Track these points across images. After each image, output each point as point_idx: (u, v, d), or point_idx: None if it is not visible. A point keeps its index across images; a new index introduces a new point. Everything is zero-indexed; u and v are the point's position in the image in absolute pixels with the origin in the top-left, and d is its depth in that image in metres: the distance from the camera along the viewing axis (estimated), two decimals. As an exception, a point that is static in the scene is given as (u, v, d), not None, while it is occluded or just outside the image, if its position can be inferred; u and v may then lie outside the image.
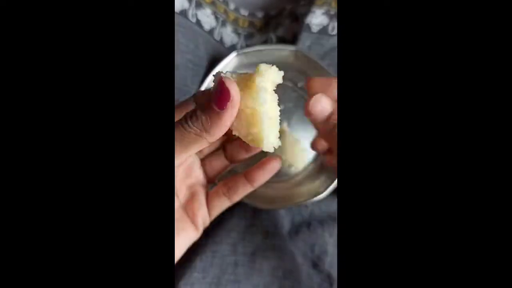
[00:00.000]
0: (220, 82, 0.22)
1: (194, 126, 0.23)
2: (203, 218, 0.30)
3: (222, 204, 0.30)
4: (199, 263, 0.37)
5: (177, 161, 0.24)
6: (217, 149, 0.31)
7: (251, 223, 0.41)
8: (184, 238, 0.29)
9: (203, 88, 0.43)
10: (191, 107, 0.26)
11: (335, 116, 0.26)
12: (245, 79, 0.23)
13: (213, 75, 0.23)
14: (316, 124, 0.28)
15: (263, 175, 0.29)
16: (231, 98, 0.22)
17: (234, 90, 0.22)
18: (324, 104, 0.26)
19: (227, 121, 0.22)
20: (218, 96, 0.22)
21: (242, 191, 0.30)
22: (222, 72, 0.23)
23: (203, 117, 0.22)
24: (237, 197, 0.30)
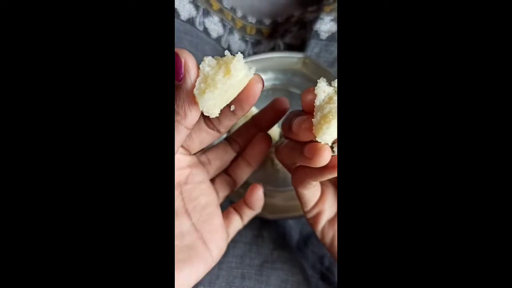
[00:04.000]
0: (175, 55, 0.21)
1: None
2: (222, 240, 0.30)
3: (236, 225, 0.32)
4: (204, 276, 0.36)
5: None
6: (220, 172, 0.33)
7: (258, 233, 0.40)
8: (200, 265, 0.28)
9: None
10: None
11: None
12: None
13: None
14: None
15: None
16: (183, 63, 0.21)
17: (186, 55, 0.21)
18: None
19: (189, 91, 0.21)
20: (176, 69, 0.21)
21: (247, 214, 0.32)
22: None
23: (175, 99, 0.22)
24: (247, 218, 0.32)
